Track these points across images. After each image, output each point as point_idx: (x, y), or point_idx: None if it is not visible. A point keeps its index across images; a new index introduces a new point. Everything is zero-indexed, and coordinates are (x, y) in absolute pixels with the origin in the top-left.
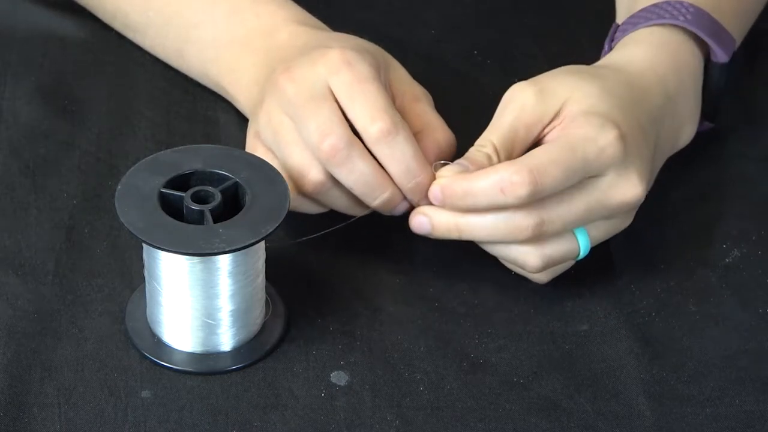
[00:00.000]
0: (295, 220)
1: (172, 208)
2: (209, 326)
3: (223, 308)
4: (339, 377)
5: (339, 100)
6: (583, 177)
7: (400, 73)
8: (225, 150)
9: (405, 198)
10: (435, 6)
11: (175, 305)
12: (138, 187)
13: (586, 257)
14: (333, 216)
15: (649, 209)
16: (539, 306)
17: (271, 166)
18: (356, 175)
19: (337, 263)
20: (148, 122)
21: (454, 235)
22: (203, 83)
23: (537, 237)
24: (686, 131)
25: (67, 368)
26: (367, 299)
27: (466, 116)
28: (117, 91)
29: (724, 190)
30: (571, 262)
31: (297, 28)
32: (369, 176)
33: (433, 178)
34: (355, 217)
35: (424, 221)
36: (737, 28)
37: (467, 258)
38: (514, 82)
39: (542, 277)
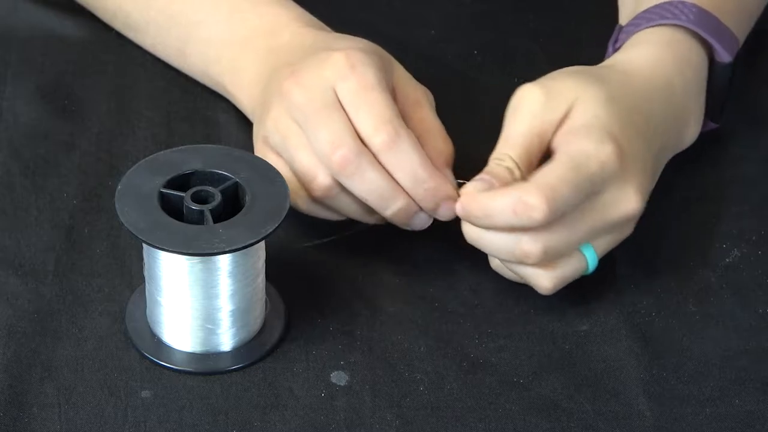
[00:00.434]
0: (304, 223)
1: (172, 208)
2: (209, 326)
3: (223, 308)
4: (339, 377)
5: (344, 107)
6: (590, 194)
7: (401, 74)
8: (225, 150)
9: (421, 209)
10: (435, 6)
11: (175, 305)
12: (138, 187)
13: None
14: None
15: (649, 209)
16: (539, 306)
17: (271, 166)
18: (367, 185)
19: (337, 263)
20: (148, 122)
21: (470, 242)
22: (204, 83)
23: (544, 261)
24: (690, 131)
25: (67, 368)
26: (367, 299)
27: (466, 116)
28: (117, 91)
29: (724, 190)
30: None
31: (299, 29)
32: (380, 186)
33: (446, 183)
34: (367, 225)
35: (458, 207)
36: (740, 27)
37: (467, 258)
38: (514, 82)
39: (549, 291)
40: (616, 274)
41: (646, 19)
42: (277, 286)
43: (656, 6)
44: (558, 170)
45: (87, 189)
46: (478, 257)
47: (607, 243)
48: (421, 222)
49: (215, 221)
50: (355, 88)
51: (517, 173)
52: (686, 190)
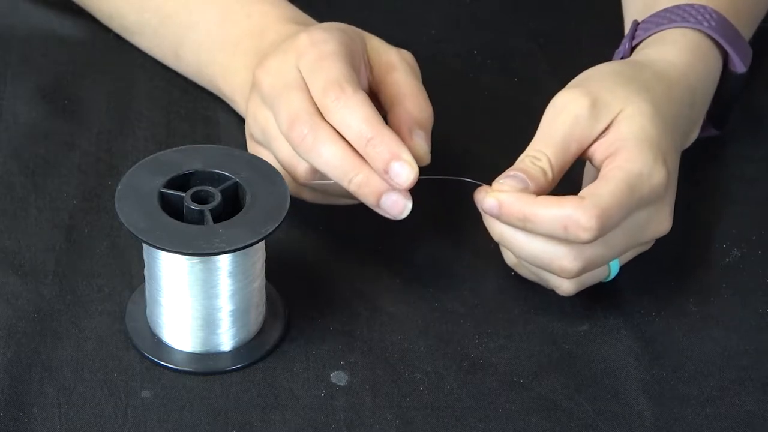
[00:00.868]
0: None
1: (172, 208)
2: (209, 326)
3: (223, 308)
4: (339, 377)
5: (306, 82)
6: (634, 213)
7: (374, 44)
8: (225, 150)
9: (394, 191)
10: (435, 6)
11: (175, 305)
12: (138, 187)
13: None
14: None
15: None
16: (539, 306)
17: (271, 166)
18: (325, 158)
19: (337, 263)
20: (148, 122)
21: (495, 238)
22: (200, 84)
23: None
24: (692, 136)
25: (67, 368)
26: (367, 299)
27: (465, 116)
28: (117, 91)
29: (724, 190)
30: None
31: (284, 27)
32: (338, 158)
33: (395, 141)
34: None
35: (493, 205)
36: (748, 33)
37: (467, 258)
38: (514, 82)
39: (569, 294)
40: (617, 274)
41: (666, 18)
42: (277, 286)
43: (675, 7)
44: (612, 190)
45: (87, 189)
46: (478, 257)
47: (631, 255)
48: (394, 204)
49: (215, 221)
50: (312, 60)
51: (549, 176)
52: (686, 190)
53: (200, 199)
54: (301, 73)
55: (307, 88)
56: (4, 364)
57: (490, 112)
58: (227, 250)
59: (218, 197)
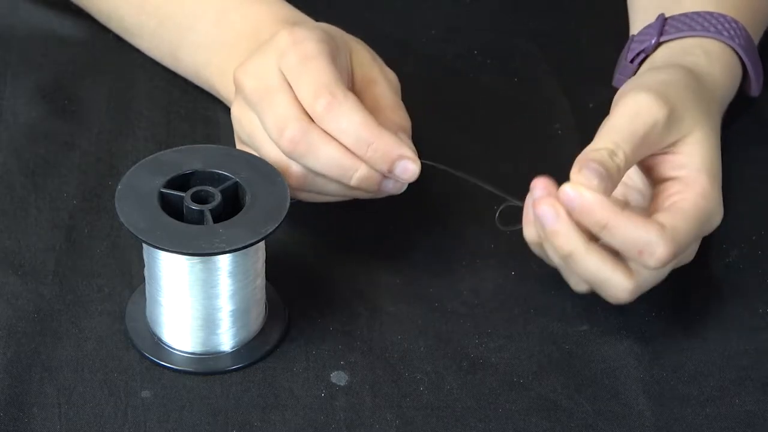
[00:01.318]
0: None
1: (172, 208)
2: (209, 326)
3: (223, 308)
4: (339, 377)
5: (290, 84)
6: None
7: (361, 57)
8: (225, 150)
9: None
10: (435, 6)
11: (175, 305)
12: (138, 187)
13: None
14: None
15: None
16: (539, 306)
17: (271, 166)
18: (323, 160)
19: (337, 263)
20: (148, 122)
21: (560, 247)
22: (199, 85)
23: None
24: None
25: (67, 368)
26: (367, 299)
27: (465, 116)
28: (117, 91)
29: (724, 190)
30: None
31: (278, 27)
32: (335, 158)
33: (395, 141)
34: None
35: (549, 214)
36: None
37: (467, 258)
38: (514, 82)
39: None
40: None
41: (698, 24)
42: (277, 286)
43: (708, 14)
44: (689, 228)
45: (87, 189)
46: (478, 257)
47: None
48: (394, 185)
49: (215, 221)
50: (295, 61)
51: (621, 175)
52: None
53: (200, 199)
54: (283, 74)
55: (291, 90)
56: (4, 364)
57: (490, 112)
58: (227, 250)
59: (218, 197)
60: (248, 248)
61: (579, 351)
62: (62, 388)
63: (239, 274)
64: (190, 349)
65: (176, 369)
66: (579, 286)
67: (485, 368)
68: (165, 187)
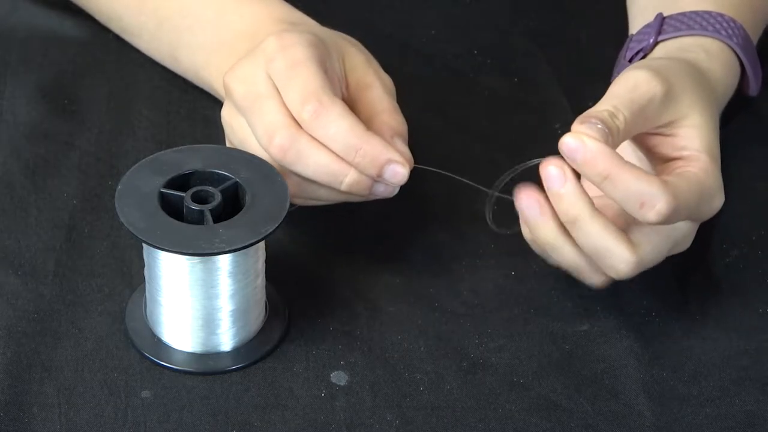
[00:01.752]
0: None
1: (172, 208)
2: (209, 326)
3: (223, 308)
4: (339, 377)
5: (278, 89)
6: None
7: (354, 61)
8: (225, 150)
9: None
10: (435, 6)
11: (175, 305)
12: (138, 187)
13: None
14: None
15: None
16: (539, 306)
17: (271, 166)
18: (312, 167)
19: (337, 263)
20: (148, 122)
21: (562, 210)
22: (199, 85)
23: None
24: None
25: (67, 368)
26: (367, 299)
27: (465, 116)
28: (117, 91)
29: (724, 190)
30: None
31: (276, 27)
32: (325, 165)
33: (383, 146)
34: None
35: (555, 176)
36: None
37: (467, 258)
38: (514, 82)
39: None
40: None
41: (697, 23)
42: (277, 286)
43: (706, 13)
44: (690, 189)
45: (87, 189)
46: (477, 257)
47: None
48: (385, 188)
49: (215, 221)
50: (282, 66)
51: (621, 139)
52: None
53: (200, 199)
54: (272, 79)
55: (280, 96)
56: (4, 364)
57: (490, 112)
58: (227, 250)
59: (218, 197)
60: (248, 248)
61: (579, 351)
62: (62, 388)
63: (239, 274)
64: (190, 349)
65: (176, 369)
66: (593, 278)
67: (485, 368)
68: (165, 187)
